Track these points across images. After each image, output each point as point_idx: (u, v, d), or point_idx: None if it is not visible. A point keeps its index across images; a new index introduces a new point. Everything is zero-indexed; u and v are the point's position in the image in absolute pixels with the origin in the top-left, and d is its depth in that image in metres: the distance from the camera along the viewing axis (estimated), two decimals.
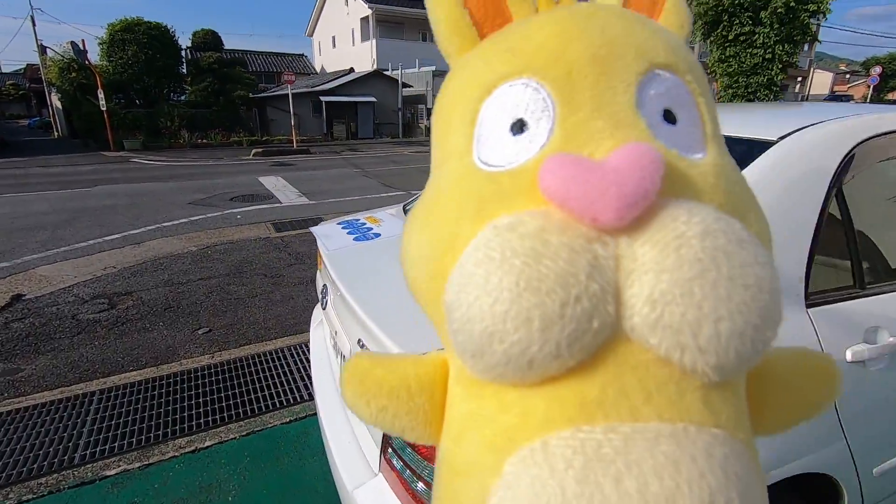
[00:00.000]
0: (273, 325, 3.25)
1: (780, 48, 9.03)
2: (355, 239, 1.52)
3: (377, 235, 1.56)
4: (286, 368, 2.70)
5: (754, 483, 0.31)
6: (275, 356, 2.84)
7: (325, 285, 1.51)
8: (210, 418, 2.27)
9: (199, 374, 2.64)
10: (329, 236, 1.62)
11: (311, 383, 2.50)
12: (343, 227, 1.68)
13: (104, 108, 15.46)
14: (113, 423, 2.23)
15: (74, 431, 2.17)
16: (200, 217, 6.40)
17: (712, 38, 9.71)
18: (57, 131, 22.77)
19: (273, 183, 9.17)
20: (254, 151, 14.91)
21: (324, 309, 1.45)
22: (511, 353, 0.30)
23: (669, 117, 0.36)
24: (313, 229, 1.74)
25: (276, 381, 2.59)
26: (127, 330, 3.19)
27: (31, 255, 4.80)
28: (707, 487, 0.28)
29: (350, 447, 1.24)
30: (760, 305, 0.29)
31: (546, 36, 0.37)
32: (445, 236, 0.37)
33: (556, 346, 0.29)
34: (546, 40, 0.37)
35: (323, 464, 1.97)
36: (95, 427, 2.19)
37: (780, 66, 9.23)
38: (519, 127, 0.36)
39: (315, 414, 2.31)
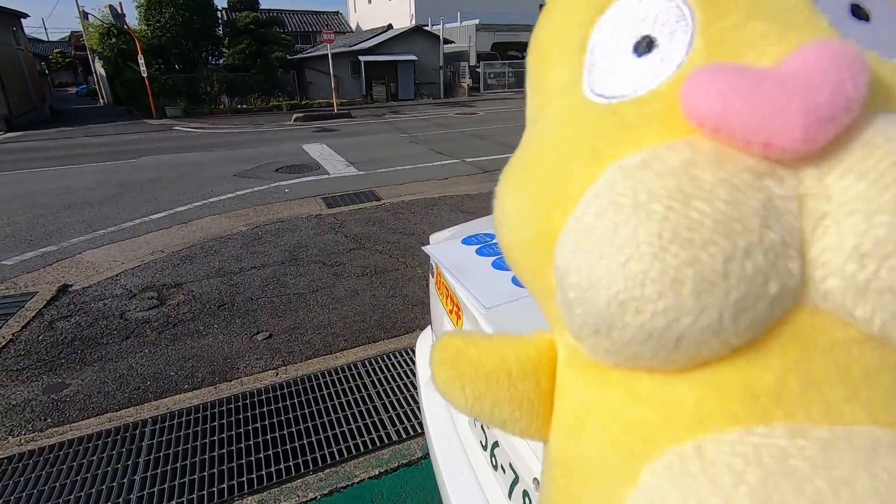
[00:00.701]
0: (341, 331, 2.80)
1: None
2: (515, 281, 0.97)
3: None
4: (363, 392, 2.25)
5: None
6: (348, 374, 2.39)
7: None
8: (282, 465, 1.84)
9: (262, 397, 2.22)
10: (469, 272, 1.04)
11: (394, 417, 2.05)
12: (481, 253, 1.12)
13: (145, 74, 15.29)
14: (168, 468, 1.84)
15: (125, 480, 1.79)
16: (247, 191, 6.02)
17: None
18: (102, 99, 23.04)
19: (318, 151, 8.70)
20: (294, 116, 14.47)
21: None
22: (652, 326, 0.21)
23: (859, 13, 0.26)
24: (430, 251, 1.20)
25: (354, 410, 2.14)
26: (178, 333, 2.81)
27: (78, 236, 4.53)
28: None
29: None
30: None
31: None
32: (552, 187, 0.28)
33: (718, 317, 0.21)
34: None
35: None
36: (149, 474, 1.81)
37: None
38: (646, 46, 0.27)
39: (409, 465, 1.86)
